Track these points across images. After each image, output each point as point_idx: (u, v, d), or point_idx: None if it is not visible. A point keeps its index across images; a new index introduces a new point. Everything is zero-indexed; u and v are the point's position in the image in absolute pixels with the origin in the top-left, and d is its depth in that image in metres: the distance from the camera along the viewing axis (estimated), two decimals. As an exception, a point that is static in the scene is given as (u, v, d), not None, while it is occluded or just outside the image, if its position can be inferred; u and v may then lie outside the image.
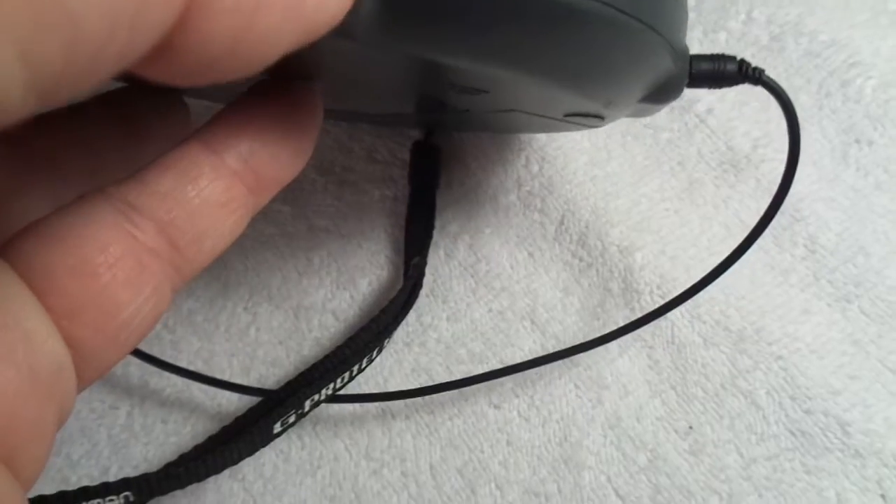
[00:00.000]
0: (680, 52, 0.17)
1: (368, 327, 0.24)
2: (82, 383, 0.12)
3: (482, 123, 0.25)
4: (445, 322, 0.27)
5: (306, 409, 0.24)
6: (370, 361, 0.25)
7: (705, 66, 0.19)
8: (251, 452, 0.23)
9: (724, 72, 0.19)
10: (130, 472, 0.25)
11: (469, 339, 0.26)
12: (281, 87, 0.14)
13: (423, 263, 0.26)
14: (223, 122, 0.14)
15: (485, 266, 0.27)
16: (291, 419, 0.24)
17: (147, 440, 0.26)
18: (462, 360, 0.26)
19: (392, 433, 0.25)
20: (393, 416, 0.26)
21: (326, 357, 0.24)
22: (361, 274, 0.28)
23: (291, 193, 0.29)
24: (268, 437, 0.23)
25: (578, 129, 0.24)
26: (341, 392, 0.24)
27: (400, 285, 0.27)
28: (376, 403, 0.26)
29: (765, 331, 0.25)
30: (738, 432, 0.25)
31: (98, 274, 0.12)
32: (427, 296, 0.27)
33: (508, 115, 0.21)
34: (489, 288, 0.27)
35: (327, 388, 0.24)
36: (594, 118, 0.19)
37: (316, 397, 0.24)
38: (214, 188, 0.13)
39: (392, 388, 0.26)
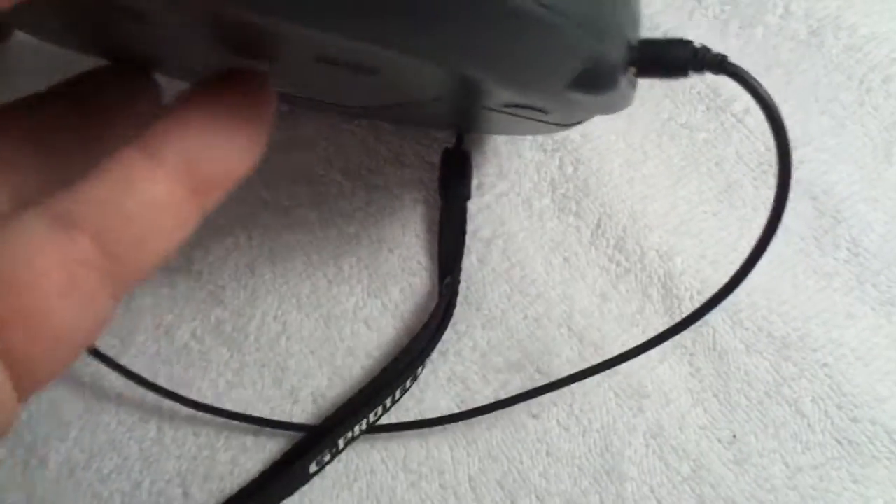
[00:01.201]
0: (612, 37, 0.16)
1: (400, 358, 0.24)
2: (22, 394, 0.12)
3: (448, 119, 0.24)
4: (480, 330, 0.26)
5: (341, 447, 0.24)
6: (403, 392, 0.25)
7: (651, 52, 0.16)
8: (289, 495, 0.24)
9: (675, 58, 0.16)
10: (164, 487, 0.25)
11: (505, 346, 0.26)
12: (228, 78, 0.14)
13: (457, 282, 0.26)
14: (161, 123, 0.13)
15: (519, 271, 0.27)
16: (326, 458, 0.24)
17: (179, 454, 0.25)
18: (499, 368, 0.26)
19: (429, 444, 0.25)
20: (429, 428, 0.25)
21: (359, 392, 0.24)
22: (393, 281, 0.27)
23: (318, 198, 0.28)
24: (304, 479, 0.24)
25: (548, 131, 0.23)
26: (376, 423, 0.25)
27: (433, 292, 0.26)
28: (413, 414, 0.25)
29: (809, 337, 0.25)
30: (783, 441, 0.24)
31: (25, 287, 0.12)
32: (461, 303, 0.26)
33: (458, 108, 0.20)
34: (524, 294, 0.26)
35: (360, 425, 0.24)
36: (536, 111, 0.18)
37: (350, 434, 0.24)
38: (151, 192, 0.13)
39: (428, 399, 0.25)
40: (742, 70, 0.17)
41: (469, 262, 0.27)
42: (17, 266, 0.12)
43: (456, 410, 0.25)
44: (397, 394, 0.25)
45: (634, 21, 0.17)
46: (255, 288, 0.27)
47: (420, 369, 0.25)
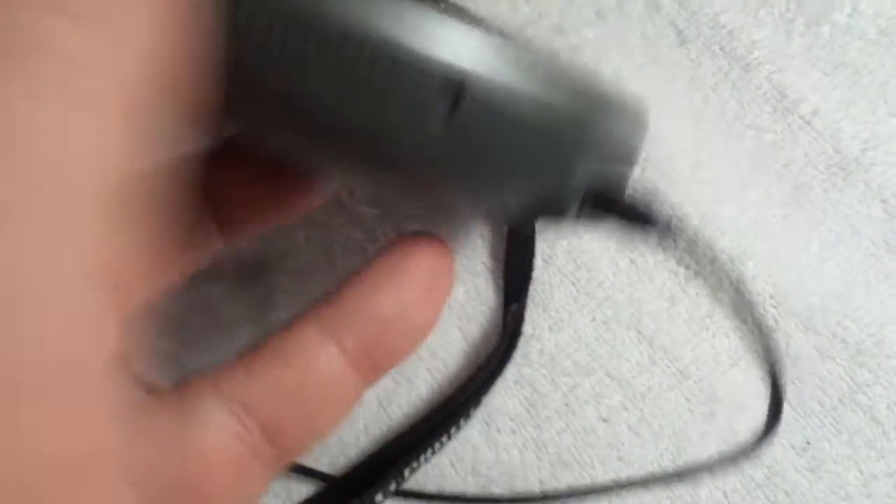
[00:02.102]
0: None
1: (454, 398, 0.23)
2: None
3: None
4: (548, 332, 0.26)
5: (377, 501, 0.22)
6: (450, 438, 0.24)
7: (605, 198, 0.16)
8: None
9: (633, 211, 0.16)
10: None
11: (573, 349, 0.26)
12: (411, 243, 0.13)
13: (523, 307, 0.25)
14: (341, 295, 0.12)
15: (585, 273, 0.26)
16: None
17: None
18: (567, 371, 0.25)
19: (498, 448, 0.25)
20: (498, 431, 0.25)
21: (389, 444, 0.23)
22: (457, 283, 0.27)
23: (377, 196, 0.28)
24: None
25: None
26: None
27: (496, 319, 0.26)
28: (480, 416, 0.25)
29: (884, 343, 0.25)
30: (858, 448, 0.24)
31: (198, 477, 0.12)
32: (527, 299, 0.26)
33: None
34: (591, 296, 0.26)
35: (400, 478, 0.22)
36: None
37: (391, 487, 0.22)
38: (325, 380, 0.12)
39: (496, 401, 0.25)
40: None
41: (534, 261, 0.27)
42: (193, 454, 0.12)
43: (524, 414, 0.25)
44: (445, 438, 0.24)
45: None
46: (312, 291, 0.27)
47: (473, 409, 0.24)
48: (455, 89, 0.12)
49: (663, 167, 0.27)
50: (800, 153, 0.27)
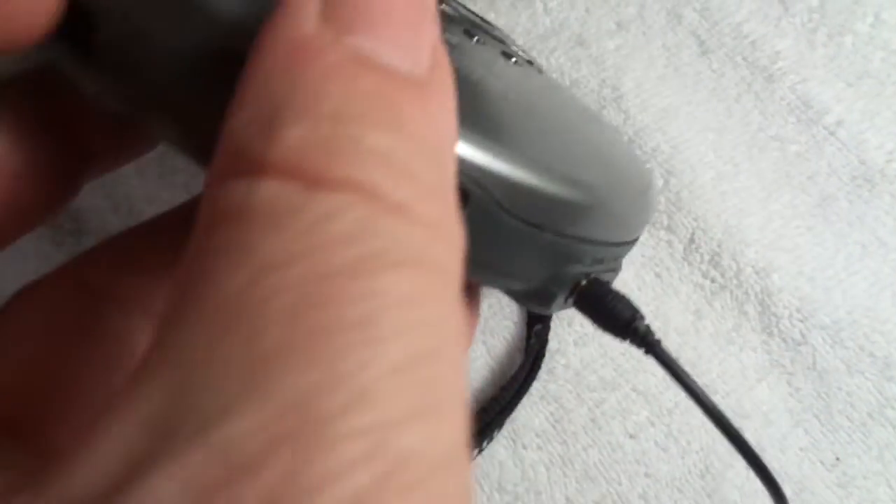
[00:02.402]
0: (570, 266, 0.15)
1: (479, 417, 0.23)
2: None
3: None
4: (573, 346, 0.26)
5: None
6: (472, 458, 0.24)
7: (596, 297, 0.16)
8: None
9: (616, 315, 0.16)
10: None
11: (599, 364, 0.25)
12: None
13: (547, 329, 0.25)
14: None
15: (610, 287, 0.26)
16: None
17: None
18: (593, 387, 0.25)
19: (524, 465, 0.24)
20: (524, 447, 0.25)
21: None
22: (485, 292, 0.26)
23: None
24: None
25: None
26: None
27: (519, 312, 0.25)
28: (506, 432, 0.25)
29: (913, 357, 0.24)
30: (888, 464, 0.24)
31: None
32: (552, 319, 0.26)
33: None
34: (616, 310, 0.26)
35: None
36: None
37: None
38: None
39: (522, 416, 0.25)
40: (667, 356, 0.17)
41: (558, 276, 0.26)
42: None
43: (550, 430, 0.25)
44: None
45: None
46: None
47: (497, 431, 0.24)
48: (462, 192, 0.12)
49: (686, 178, 0.27)
50: (824, 164, 0.27)
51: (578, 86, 0.28)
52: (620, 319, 0.16)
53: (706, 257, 0.26)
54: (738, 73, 0.28)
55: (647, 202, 0.19)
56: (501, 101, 0.14)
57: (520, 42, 0.28)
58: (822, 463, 0.24)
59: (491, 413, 0.24)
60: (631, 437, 0.25)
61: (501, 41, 0.20)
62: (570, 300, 0.16)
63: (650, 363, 0.25)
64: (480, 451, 0.24)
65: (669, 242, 0.26)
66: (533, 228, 0.14)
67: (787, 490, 0.24)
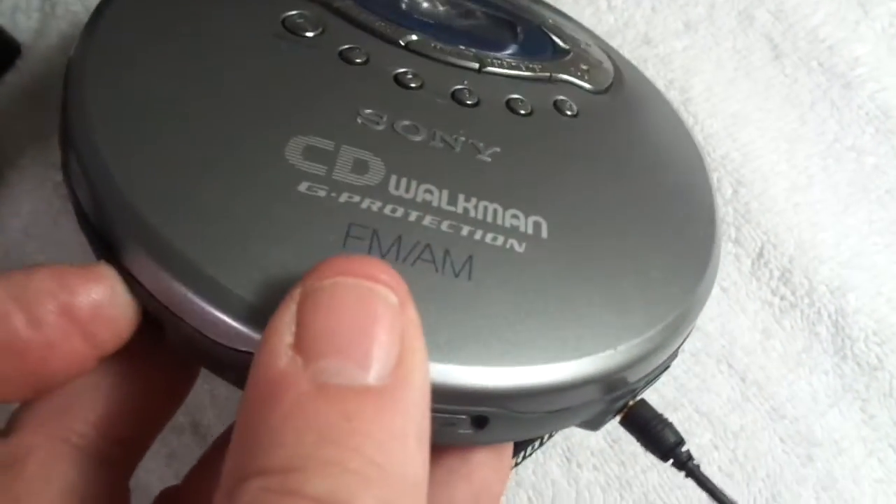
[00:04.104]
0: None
1: None
2: None
3: None
4: (632, 362, 0.24)
5: None
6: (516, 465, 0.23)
7: (642, 420, 0.18)
8: None
9: (660, 439, 0.18)
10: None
11: (660, 382, 0.24)
12: None
13: None
14: None
15: (672, 300, 0.25)
16: None
17: None
18: (654, 405, 0.24)
19: (579, 485, 0.23)
20: (579, 466, 0.23)
21: None
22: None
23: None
24: None
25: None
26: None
27: None
28: (560, 450, 0.24)
29: None
30: (970, 500, 0.22)
31: None
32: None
33: None
34: (678, 325, 0.25)
35: None
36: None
37: None
38: None
39: (577, 434, 0.24)
40: (709, 481, 0.18)
41: (617, 287, 0.25)
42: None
43: (608, 450, 0.23)
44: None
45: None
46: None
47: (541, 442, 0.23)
48: (481, 419, 0.13)
49: (756, 189, 0.25)
50: (904, 178, 0.26)
51: (644, 88, 0.26)
52: (665, 444, 0.17)
53: (776, 273, 0.25)
54: (812, 79, 0.27)
55: (707, 275, 0.17)
56: (493, 304, 0.14)
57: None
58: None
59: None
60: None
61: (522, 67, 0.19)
62: (618, 418, 0.17)
63: (714, 383, 0.24)
64: (525, 456, 0.23)
65: (737, 256, 0.25)
66: (564, 412, 0.15)
67: (859, 525, 0.23)
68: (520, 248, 0.15)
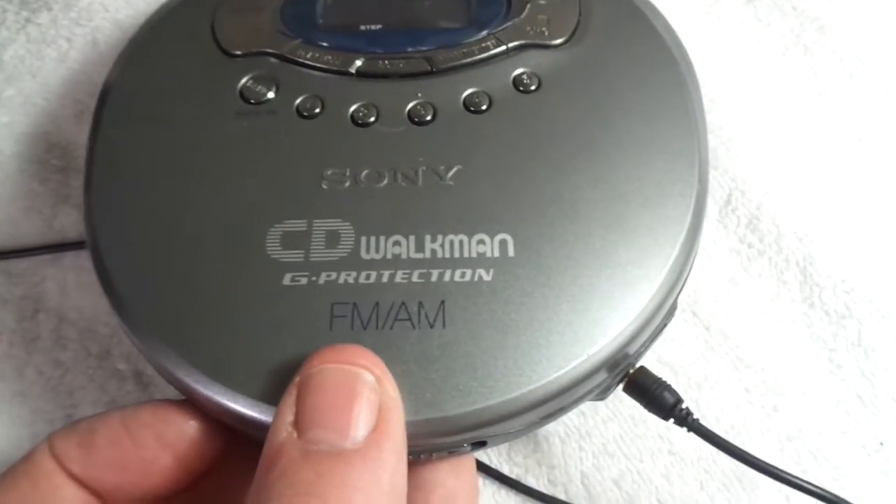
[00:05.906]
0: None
1: None
2: None
3: None
4: (594, 311, 0.23)
5: None
6: None
7: (642, 384, 0.18)
8: None
9: (660, 400, 0.18)
10: None
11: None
12: None
13: None
14: None
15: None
16: None
17: None
18: (615, 355, 0.23)
19: (538, 436, 0.22)
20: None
21: None
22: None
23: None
24: None
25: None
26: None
27: None
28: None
29: (968, 336, 0.22)
30: (937, 451, 0.22)
31: None
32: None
33: None
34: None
35: None
36: None
37: None
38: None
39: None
40: (710, 432, 0.18)
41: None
42: None
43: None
44: None
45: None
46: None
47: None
48: (479, 443, 0.16)
49: (724, 134, 0.25)
50: (878, 124, 0.25)
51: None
52: (666, 405, 0.18)
53: (743, 220, 0.24)
54: (786, 23, 0.26)
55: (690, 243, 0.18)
56: (468, 344, 0.15)
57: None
58: (863, 447, 0.22)
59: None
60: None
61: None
62: (620, 386, 0.18)
63: (678, 332, 0.23)
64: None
65: (704, 203, 0.24)
66: (553, 414, 0.17)
67: (825, 475, 0.22)
68: (488, 277, 0.16)
